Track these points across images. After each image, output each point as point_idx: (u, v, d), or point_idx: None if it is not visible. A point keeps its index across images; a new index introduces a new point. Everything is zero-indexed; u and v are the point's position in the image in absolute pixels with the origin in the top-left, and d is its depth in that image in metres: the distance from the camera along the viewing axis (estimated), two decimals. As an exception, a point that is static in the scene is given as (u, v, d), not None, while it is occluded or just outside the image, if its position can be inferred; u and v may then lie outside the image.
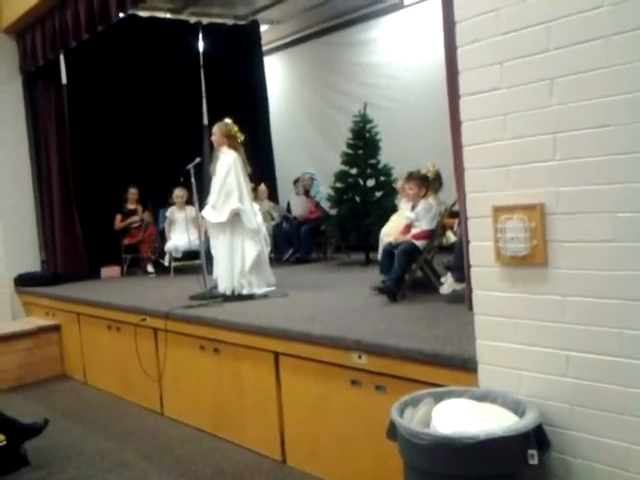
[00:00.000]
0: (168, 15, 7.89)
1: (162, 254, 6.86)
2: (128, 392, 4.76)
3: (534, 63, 2.10)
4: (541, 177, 2.12)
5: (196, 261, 6.02)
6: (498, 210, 2.23)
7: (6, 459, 3.42)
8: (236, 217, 4.49)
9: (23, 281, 6.44)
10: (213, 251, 4.70)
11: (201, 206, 4.76)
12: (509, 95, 2.18)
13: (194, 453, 3.64)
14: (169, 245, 6.73)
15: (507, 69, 2.18)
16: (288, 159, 8.61)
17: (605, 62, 1.94)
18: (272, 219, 7.30)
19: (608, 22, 1.92)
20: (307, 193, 7.42)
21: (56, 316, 5.84)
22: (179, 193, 6.68)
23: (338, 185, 6.44)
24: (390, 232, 4.79)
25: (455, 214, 3.78)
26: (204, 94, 8.19)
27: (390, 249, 4.15)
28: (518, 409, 2.14)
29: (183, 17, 7.98)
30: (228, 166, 4.51)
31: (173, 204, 6.85)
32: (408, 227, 4.21)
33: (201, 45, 8.23)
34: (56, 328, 5.78)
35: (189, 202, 6.46)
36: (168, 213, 6.88)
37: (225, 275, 4.55)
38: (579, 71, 2.00)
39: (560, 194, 2.07)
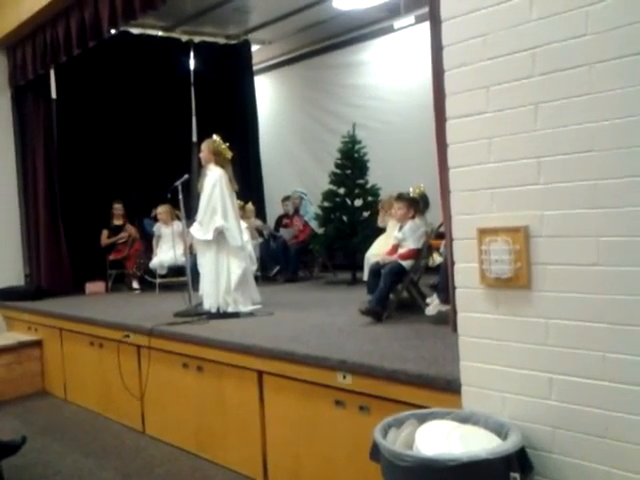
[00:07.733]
0: (160, 33, 7.94)
1: (147, 270, 6.81)
2: (109, 409, 4.69)
3: (520, 88, 2.14)
4: (525, 200, 2.14)
5: (182, 277, 5.99)
6: (483, 232, 2.25)
7: (-19, 478, 3.34)
8: (220, 235, 4.49)
9: (5, 295, 6.36)
10: (200, 268, 4.68)
11: (188, 223, 4.74)
12: (495, 119, 2.21)
13: (174, 473, 3.58)
14: (154, 262, 6.67)
15: (493, 93, 2.21)
16: (276, 178, 8.65)
17: (589, 89, 1.97)
18: (260, 235, 7.30)
19: (592, 50, 1.96)
20: (297, 212, 7.45)
21: (38, 331, 5.76)
22: (159, 210, 6.68)
23: (326, 204, 6.49)
24: (377, 252, 4.81)
25: (441, 235, 3.81)
26: (194, 111, 8.23)
27: (377, 269, 4.16)
28: (501, 431, 2.13)
29: (175, 35, 8.04)
30: (214, 183, 4.51)
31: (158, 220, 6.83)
32: (395, 248, 4.23)
33: (192, 63, 8.28)
34: (37, 343, 5.69)
35: (177, 217, 6.45)
36: (155, 229, 6.86)
37: (210, 292, 4.53)
38: (563, 97, 2.03)
39: (544, 217, 2.10)
